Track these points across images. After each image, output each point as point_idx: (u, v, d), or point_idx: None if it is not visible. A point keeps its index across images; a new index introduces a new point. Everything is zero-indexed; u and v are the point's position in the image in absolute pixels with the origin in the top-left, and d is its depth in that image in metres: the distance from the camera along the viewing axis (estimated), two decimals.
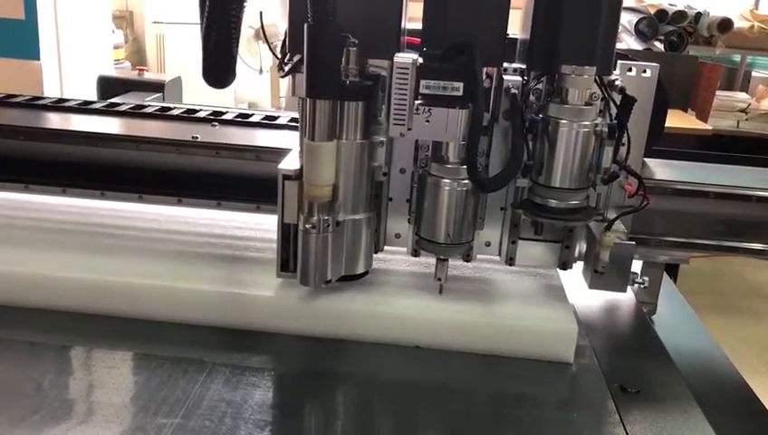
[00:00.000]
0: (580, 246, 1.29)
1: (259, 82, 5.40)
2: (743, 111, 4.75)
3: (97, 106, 1.72)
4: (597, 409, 1.09)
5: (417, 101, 1.10)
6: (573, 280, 1.34)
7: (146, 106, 1.75)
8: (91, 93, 2.99)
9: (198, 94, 2.98)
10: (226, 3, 1.13)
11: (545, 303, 1.26)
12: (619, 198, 1.26)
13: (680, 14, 4.52)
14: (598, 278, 1.18)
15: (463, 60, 1.09)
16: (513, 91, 1.14)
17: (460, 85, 1.09)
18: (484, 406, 1.10)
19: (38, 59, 3.40)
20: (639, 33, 4.46)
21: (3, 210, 1.51)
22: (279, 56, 1.21)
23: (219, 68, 1.21)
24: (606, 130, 1.13)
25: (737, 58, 5.15)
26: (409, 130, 1.11)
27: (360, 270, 1.24)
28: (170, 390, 1.05)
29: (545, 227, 1.26)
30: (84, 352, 1.18)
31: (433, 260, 1.26)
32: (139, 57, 5.91)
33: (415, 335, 1.21)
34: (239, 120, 1.65)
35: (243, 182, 1.46)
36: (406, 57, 1.09)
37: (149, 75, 3.27)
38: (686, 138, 3.93)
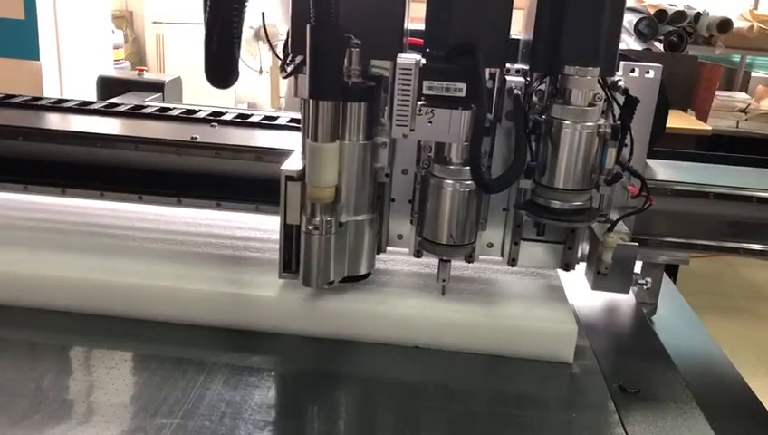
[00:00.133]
0: (583, 247, 1.29)
1: (259, 82, 5.40)
2: (742, 111, 4.75)
3: (96, 106, 1.72)
4: (597, 409, 1.09)
5: (419, 102, 1.10)
6: (573, 280, 1.34)
7: (145, 106, 1.75)
8: (90, 93, 2.99)
9: (198, 94, 2.98)
10: (229, 3, 1.13)
11: (545, 303, 1.26)
12: (622, 198, 1.26)
13: (680, 15, 4.53)
14: (601, 279, 1.18)
15: (466, 61, 1.09)
16: (516, 92, 1.14)
17: (463, 86, 1.09)
18: (485, 406, 1.10)
19: (38, 59, 3.40)
20: (639, 33, 4.47)
21: (2, 211, 1.51)
22: (281, 57, 1.21)
23: (222, 68, 1.21)
24: (609, 130, 1.13)
25: (737, 58, 5.15)
26: (412, 130, 1.11)
27: (363, 271, 1.24)
28: (170, 390, 1.05)
29: (548, 228, 1.26)
30: (84, 352, 1.18)
31: (433, 261, 1.26)
32: (138, 57, 5.90)
33: (415, 336, 1.21)
34: (239, 120, 1.65)
35: (242, 183, 1.46)
36: (409, 58, 1.09)
37: (149, 75, 3.26)
38: (686, 138, 3.93)
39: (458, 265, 1.32)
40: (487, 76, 1.14)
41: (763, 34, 4.71)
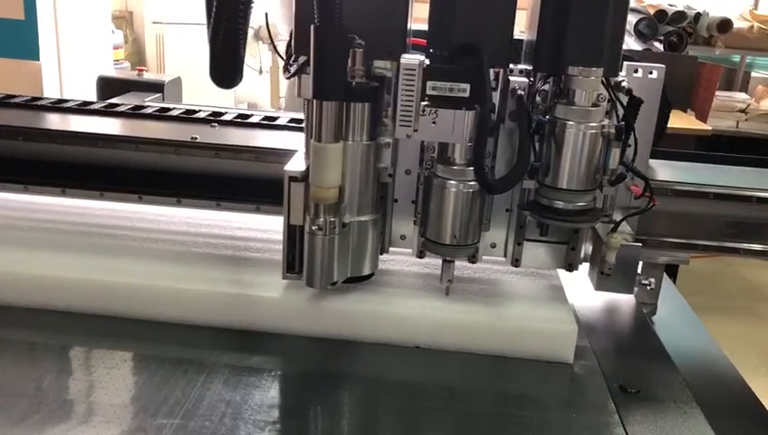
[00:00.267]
0: (586, 248, 1.29)
1: (259, 82, 5.40)
2: (742, 111, 4.75)
3: (96, 107, 1.72)
4: (597, 409, 1.09)
5: (423, 103, 1.10)
6: (573, 280, 1.34)
7: (145, 107, 1.75)
8: (90, 94, 2.99)
9: (198, 95, 2.98)
10: (234, 3, 1.13)
11: (545, 303, 1.26)
12: (625, 199, 1.26)
13: (680, 15, 4.53)
14: (604, 280, 1.18)
15: (469, 61, 1.09)
16: (519, 92, 1.14)
17: (467, 86, 1.09)
18: (485, 406, 1.10)
19: (38, 59, 3.40)
20: (639, 33, 4.47)
21: (2, 211, 1.51)
22: (284, 57, 1.20)
23: (226, 68, 1.21)
24: (613, 131, 1.13)
25: (737, 58, 5.15)
26: (416, 131, 1.11)
27: (366, 272, 1.24)
28: (170, 390, 1.05)
29: (551, 228, 1.26)
30: (84, 352, 1.18)
31: (434, 261, 1.26)
32: (138, 57, 5.91)
33: (416, 336, 1.21)
34: (238, 120, 1.65)
35: (242, 183, 1.46)
36: (413, 58, 1.08)
37: (149, 75, 3.26)
38: (686, 138, 3.94)
39: (458, 266, 1.31)
40: (491, 77, 1.14)
41: (762, 35, 4.71)
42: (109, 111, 1.69)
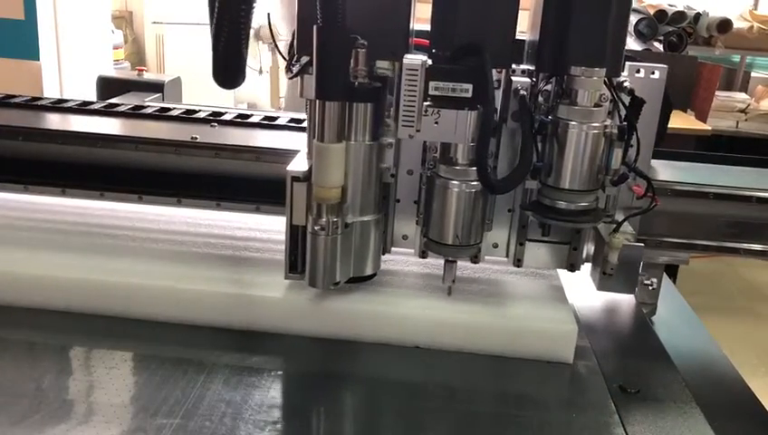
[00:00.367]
0: (588, 248, 1.29)
1: (259, 82, 5.40)
2: (742, 111, 4.76)
3: (96, 107, 1.72)
4: (597, 409, 1.09)
5: (425, 103, 1.10)
6: (574, 280, 1.34)
7: (145, 106, 1.75)
8: (90, 94, 2.99)
9: (198, 95, 2.98)
10: (237, 4, 1.13)
11: (545, 303, 1.26)
12: (627, 199, 1.26)
13: (680, 15, 4.53)
14: (606, 280, 1.18)
15: (472, 61, 1.09)
16: (522, 92, 1.14)
17: (469, 87, 1.09)
18: (485, 406, 1.10)
19: (38, 59, 3.40)
20: (639, 33, 4.47)
21: (2, 211, 1.51)
22: (286, 57, 1.20)
23: (229, 68, 1.21)
24: (615, 131, 1.13)
25: (736, 58, 5.15)
26: (418, 131, 1.11)
27: (369, 272, 1.24)
28: (170, 390, 1.05)
29: (553, 228, 1.26)
30: (84, 352, 1.18)
31: (434, 261, 1.26)
32: (138, 57, 5.91)
33: (416, 336, 1.21)
34: (238, 120, 1.65)
35: (242, 183, 1.46)
36: (415, 58, 1.08)
37: (149, 75, 3.26)
38: (686, 138, 3.94)
39: (458, 266, 1.32)
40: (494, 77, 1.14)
41: (762, 35, 4.72)
42: (109, 111, 1.68)
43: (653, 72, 1.22)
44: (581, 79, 1.10)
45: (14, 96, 1.74)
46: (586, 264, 1.30)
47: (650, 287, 1.41)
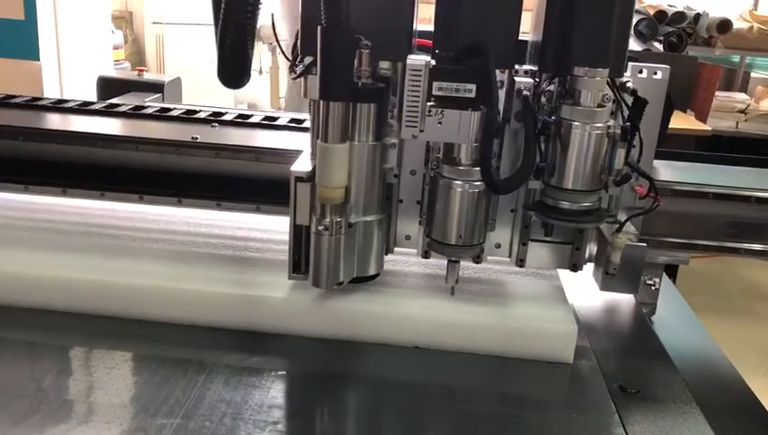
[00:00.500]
0: (590, 248, 1.29)
1: (259, 82, 5.41)
2: (742, 111, 4.76)
3: (97, 107, 1.72)
4: (597, 409, 1.09)
5: (429, 103, 1.10)
6: (573, 280, 1.35)
7: (146, 107, 1.75)
8: (90, 94, 2.99)
9: (198, 95, 2.98)
10: (242, 4, 1.13)
11: (545, 303, 1.26)
12: (629, 199, 1.26)
13: (679, 15, 4.53)
14: (609, 280, 1.18)
15: (475, 61, 1.09)
16: (525, 93, 1.14)
17: (473, 87, 1.09)
18: (485, 406, 1.10)
19: (38, 59, 3.40)
20: (639, 33, 4.47)
21: (3, 211, 1.51)
22: (289, 57, 1.21)
23: (235, 69, 1.21)
24: (618, 131, 1.13)
25: (736, 59, 5.15)
26: (422, 131, 1.11)
27: (372, 272, 1.24)
28: (170, 390, 1.05)
29: (555, 228, 1.26)
30: (84, 352, 1.18)
31: (434, 261, 1.26)
32: (138, 57, 5.91)
33: (415, 336, 1.21)
34: (239, 120, 1.65)
35: (243, 183, 1.46)
36: (419, 59, 1.08)
37: (149, 76, 3.26)
38: (686, 138, 3.94)
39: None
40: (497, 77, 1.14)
41: (762, 35, 4.72)
42: (109, 112, 1.69)
43: (655, 73, 1.22)
44: (584, 79, 1.10)
45: (14, 96, 1.74)
46: (588, 264, 1.30)
47: (653, 287, 1.41)
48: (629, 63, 1.19)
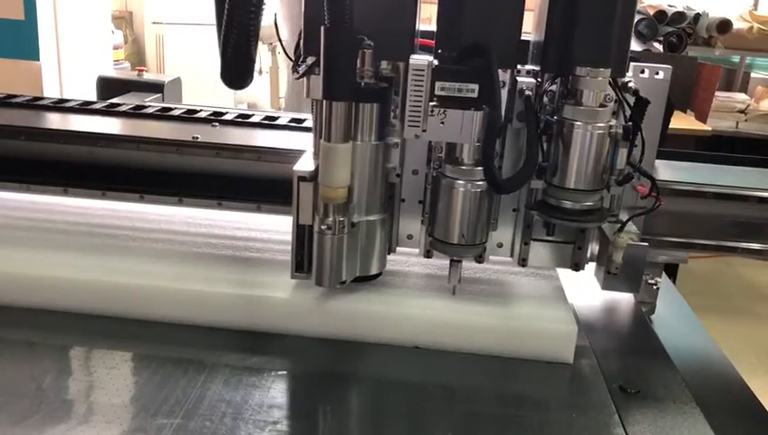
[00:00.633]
0: (592, 247, 1.29)
1: (259, 82, 5.41)
2: (742, 111, 4.76)
3: (97, 106, 1.72)
4: (597, 409, 1.09)
5: (431, 103, 1.10)
6: (573, 280, 1.35)
7: (146, 106, 1.75)
8: (90, 94, 2.99)
9: (198, 95, 2.98)
10: (246, 5, 1.13)
11: (545, 303, 1.26)
12: (631, 199, 1.26)
13: (679, 15, 4.54)
14: (610, 279, 1.19)
15: (478, 61, 1.09)
16: (527, 93, 1.14)
17: (475, 87, 1.09)
18: (485, 406, 1.10)
19: (38, 59, 3.40)
20: (639, 34, 4.47)
21: (3, 210, 1.51)
22: (291, 57, 1.21)
23: (238, 69, 1.21)
24: (620, 131, 1.13)
25: (736, 59, 5.16)
26: (424, 131, 1.11)
27: (374, 271, 1.24)
28: (170, 390, 1.05)
29: (557, 228, 1.26)
30: (84, 352, 1.18)
31: (434, 261, 1.26)
32: (138, 57, 5.92)
33: (416, 336, 1.21)
34: (239, 120, 1.65)
35: (243, 182, 1.46)
36: (421, 59, 1.09)
37: (149, 76, 3.26)
38: (686, 139, 3.94)
39: None
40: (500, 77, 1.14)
41: (762, 35, 4.72)
42: (110, 111, 1.69)
43: (657, 73, 1.22)
44: (587, 79, 1.10)
45: (15, 96, 1.74)
46: (590, 263, 1.30)
47: (654, 287, 1.41)
48: (631, 63, 1.19)
